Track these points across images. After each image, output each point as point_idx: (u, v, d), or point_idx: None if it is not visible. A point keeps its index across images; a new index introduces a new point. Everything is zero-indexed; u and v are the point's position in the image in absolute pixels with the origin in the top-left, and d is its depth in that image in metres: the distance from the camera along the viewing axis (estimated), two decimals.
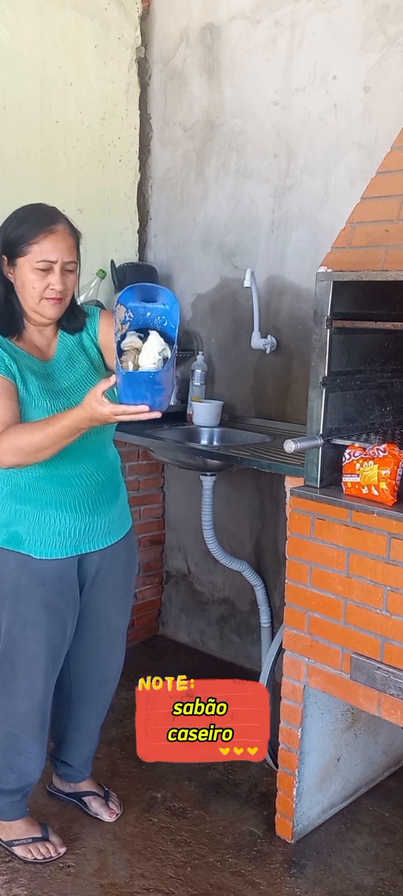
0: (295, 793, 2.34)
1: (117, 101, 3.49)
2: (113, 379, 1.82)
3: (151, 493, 3.68)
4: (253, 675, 3.16)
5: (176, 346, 1.84)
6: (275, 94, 3.15)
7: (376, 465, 2.09)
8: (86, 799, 2.48)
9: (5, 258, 2.05)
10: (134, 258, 3.63)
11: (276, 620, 3.23)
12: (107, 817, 2.45)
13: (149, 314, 1.87)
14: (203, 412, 3.24)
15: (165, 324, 1.86)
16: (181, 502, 3.67)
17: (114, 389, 1.83)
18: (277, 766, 2.39)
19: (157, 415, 1.81)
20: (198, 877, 2.23)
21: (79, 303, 2.23)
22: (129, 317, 1.86)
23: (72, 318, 2.16)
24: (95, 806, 2.47)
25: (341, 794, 2.54)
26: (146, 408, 1.78)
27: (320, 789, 2.44)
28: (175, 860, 2.29)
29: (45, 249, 2.00)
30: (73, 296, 2.13)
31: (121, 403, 1.81)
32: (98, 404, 1.82)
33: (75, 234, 2.08)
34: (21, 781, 2.27)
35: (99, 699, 2.42)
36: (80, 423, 1.89)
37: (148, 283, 1.96)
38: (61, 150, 3.29)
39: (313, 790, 2.41)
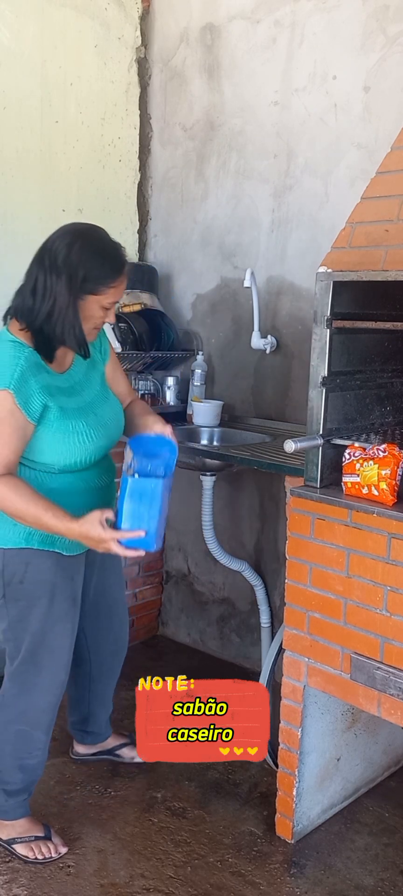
0: (295, 793, 2.33)
1: (117, 101, 3.49)
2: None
3: None
4: (253, 675, 3.16)
5: (171, 478, 2.07)
6: (275, 94, 3.15)
7: (376, 465, 2.09)
8: (118, 752, 2.71)
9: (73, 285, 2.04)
10: (134, 258, 3.63)
11: (276, 620, 3.23)
12: (140, 759, 2.58)
13: (150, 468, 2.07)
14: (203, 412, 3.24)
15: (164, 475, 2.06)
16: (181, 502, 3.67)
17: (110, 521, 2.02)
18: (277, 766, 2.39)
19: (141, 554, 2.02)
20: (198, 877, 2.23)
21: None
22: (134, 464, 2.06)
23: None
24: (128, 752, 2.70)
25: (341, 794, 2.54)
26: (142, 533, 1.97)
27: (320, 789, 2.44)
28: (175, 860, 2.29)
29: (118, 292, 2.10)
30: None
31: (118, 525, 1.99)
32: (100, 527, 1.97)
33: None
34: (26, 780, 2.30)
35: (116, 667, 2.63)
36: (71, 534, 2.03)
37: (152, 437, 2.20)
38: (61, 150, 3.29)
39: (313, 790, 2.41)
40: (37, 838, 2.30)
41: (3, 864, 2.25)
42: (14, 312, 2.07)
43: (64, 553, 2.17)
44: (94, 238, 2.08)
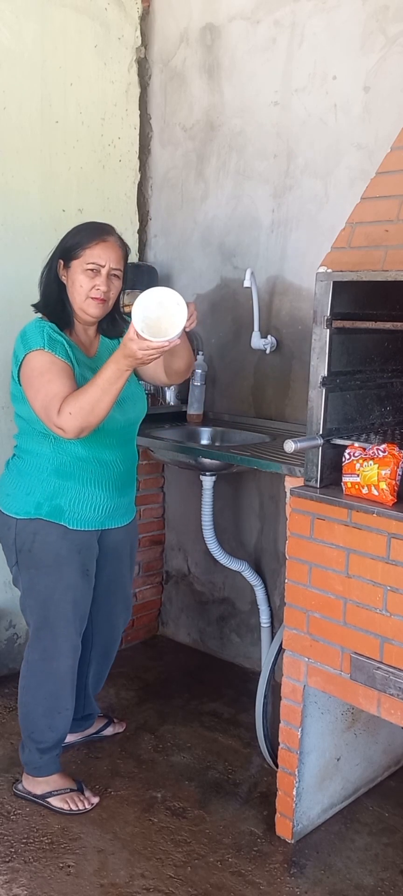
0: (295, 793, 2.34)
1: (117, 101, 3.49)
2: None
3: (151, 493, 3.68)
4: (253, 675, 3.17)
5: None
6: (275, 95, 3.15)
7: (376, 465, 2.09)
8: (102, 733, 2.86)
9: (61, 262, 2.32)
10: (134, 258, 3.63)
11: (276, 620, 3.23)
12: (120, 729, 2.91)
13: None
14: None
15: None
16: (181, 502, 3.67)
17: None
18: (277, 765, 2.40)
19: (177, 341, 2.06)
20: (198, 877, 2.23)
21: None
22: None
23: (113, 324, 2.44)
24: (110, 730, 2.88)
25: (341, 793, 2.54)
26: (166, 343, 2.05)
27: (320, 789, 2.44)
28: (175, 860, 2.29)
29: (95, 254, 2.27)
30: (117, 304, 2.42)
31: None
32: (130, 340, 2.06)
33: (124, 248, 2.37)
34: (56, 737, 2.47)
35: (114, 652, 2.75)
36: (119, 362, 2.12)
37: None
38: (61, 150, 3.29)
39: (313, 790, 2.41)
40: (71, 790, 2.48)
41: (3, 864, 2.25)
42: (37, 310, 2.33)
43: (69, 526, 2.33)
44: (79, 224, 2.34)
